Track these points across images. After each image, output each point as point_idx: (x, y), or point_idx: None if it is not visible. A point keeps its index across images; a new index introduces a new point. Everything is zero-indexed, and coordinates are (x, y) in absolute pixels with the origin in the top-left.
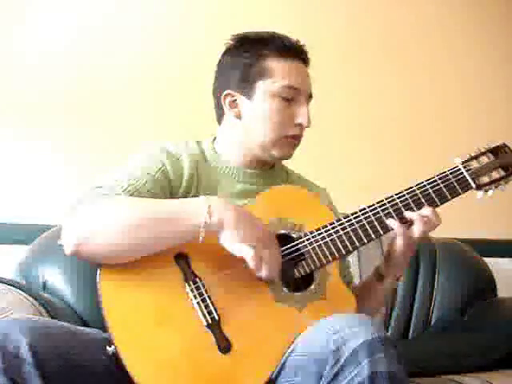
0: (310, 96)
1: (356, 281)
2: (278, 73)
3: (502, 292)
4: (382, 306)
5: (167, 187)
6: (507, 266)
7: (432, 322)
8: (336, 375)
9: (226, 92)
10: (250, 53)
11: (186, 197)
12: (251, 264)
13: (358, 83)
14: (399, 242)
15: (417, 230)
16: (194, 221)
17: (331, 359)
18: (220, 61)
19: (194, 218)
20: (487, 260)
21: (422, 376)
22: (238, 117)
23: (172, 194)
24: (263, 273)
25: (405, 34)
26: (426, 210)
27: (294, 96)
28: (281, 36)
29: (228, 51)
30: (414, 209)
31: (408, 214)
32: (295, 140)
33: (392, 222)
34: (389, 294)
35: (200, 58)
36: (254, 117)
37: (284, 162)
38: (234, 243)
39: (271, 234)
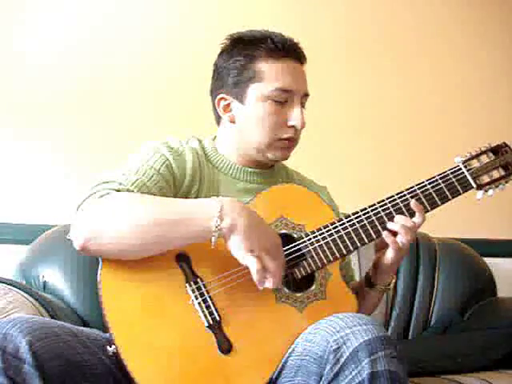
0: (306, 95)
1: (357, 278)
2: (268, 75)
3: (502, 292)
4: (373, 312)
5: (172, 181)
6: (507, 265)
7: (432, 322)
8: (336, 375)
9: (219, 96)
10: (242, 55)
11: (189, 191)
12: (255, 277)
13: (358, 83)
14: (391, 255)
15: (403, 240)
16: (204, 223)
17: (331, 359)
18: (215, 62)
19: (205, 220)
20: (487, 260)
21: (422, 376)
22: (232, 121)
23: (176, 188)
24: (266, 284)
25: (405, 33)
26: (400, 219)
27: (287, 98)
28: (273, 35)
29: (222, 53)
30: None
31: (390, 226)
32: (290, 142)
33: (385, 235)
34: (380, 300)
35: (200, 58)
36: (248, 121)
37: (284, 161)
38: (241, 250)
39: (279, 244)
